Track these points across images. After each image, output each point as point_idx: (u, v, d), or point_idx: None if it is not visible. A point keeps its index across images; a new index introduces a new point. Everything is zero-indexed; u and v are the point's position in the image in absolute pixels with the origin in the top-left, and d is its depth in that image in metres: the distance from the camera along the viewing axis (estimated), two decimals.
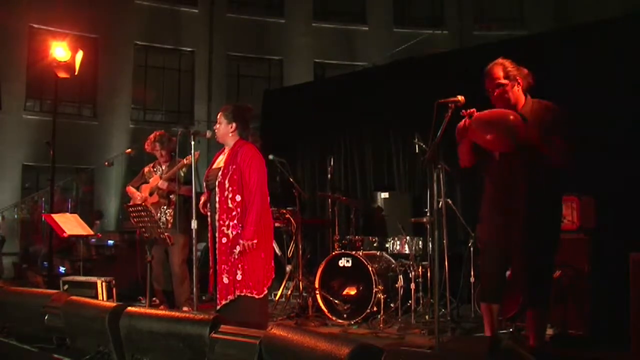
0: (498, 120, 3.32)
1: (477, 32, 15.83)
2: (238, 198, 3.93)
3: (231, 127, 4.09)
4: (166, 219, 5.60)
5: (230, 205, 3.93)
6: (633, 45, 5.20)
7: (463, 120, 3.44)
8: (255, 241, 3.85)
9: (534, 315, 3.58)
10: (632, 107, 5.07)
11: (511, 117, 3.27)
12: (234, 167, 3.97)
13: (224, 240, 3.93)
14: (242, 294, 3.86)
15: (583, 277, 4.35)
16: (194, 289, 4.38)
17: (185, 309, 5.25)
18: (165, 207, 5.63)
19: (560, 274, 4.41)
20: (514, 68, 3.53)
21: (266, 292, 3.97)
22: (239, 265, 3.87)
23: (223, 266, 3.91)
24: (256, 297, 3.88)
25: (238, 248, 3.86)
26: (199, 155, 4.38)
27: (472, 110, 3.46)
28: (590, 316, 4.30)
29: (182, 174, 5.56)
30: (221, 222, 3.94)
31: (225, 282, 3.90)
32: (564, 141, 3.34)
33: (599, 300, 4.32)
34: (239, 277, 3.86)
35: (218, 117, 4.18)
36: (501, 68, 3.51)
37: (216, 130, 4.18)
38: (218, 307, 3.93)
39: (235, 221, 3.90)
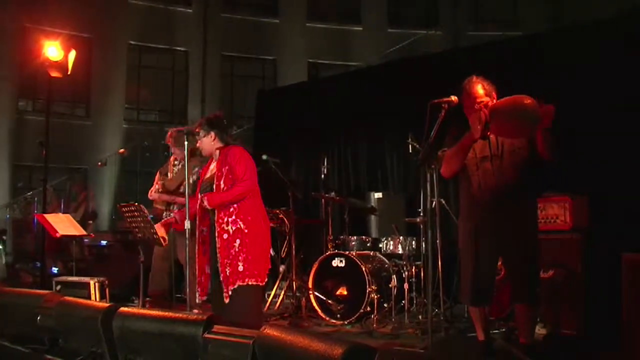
0: (517, 106, 3.32)
1: (472, 33, 15.84)
2: None
3: (211, 137, 4.19)
4: None
5: None
6: (626, 46, 5.22)
7: (480, 114, 3.42)
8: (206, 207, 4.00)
9: (526, 312, 3.62)
10: (626, 107, 5.09)
11: (527, 100, 3.28)
12: (227, 167, 4.07)
13: (225, 236, 4.00)
14: (245, 283, 3.93)
15: (576, 277, 4.37)
16: (188, 290, 4.38)
17: (195, 311, 5.20)
18: (169, 212, 5.58)
19: (553, 273, 4.43)
20: (489, 84, 3.63)
21: (266, 279, 4.09)
22: (240, 257, 3.95)
23: (225, 260, 3.99)
24: (260, 284, 4.01)
25: (238, 241, 3.95)
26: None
27: (485, 101, 3.51)
28: (583, 316, 4.32)
29: (192, 181, 5.48)
30: (220, 220, 4.03)
31: (227, 273, 3.97)
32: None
33: (592, 300, 4.34)
34: (240, 268, 3.94)
35: (197, 136, 4.25)
36: (480, 86, 3.60)
37: (200, 147, 4.27)
38: (226, 301, 3.98)
39: (233, 217, 3.99)
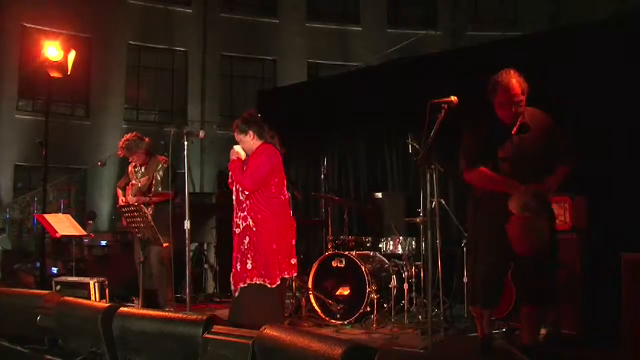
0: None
1: (471, 33, 15.85)
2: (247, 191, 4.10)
3: (250, 136, 4.17)
4: None
5: (241, 198, 4.11)
6: (626, 46, 5.22)
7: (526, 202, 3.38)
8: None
9: (535, 314, 3.59)
10: (625, 107, 5.09)
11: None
12: (247, 166, 4.15)
13: (237, 230, 4.11)
14: (253, 282, 3.98)
15: (576, 277, 4.37)
16: (187, 290, 4.38)
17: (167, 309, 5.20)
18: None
19: None
20: (523, 80, 3.49)
21: (279, 282, 4.00)
22: (249, 255, 4.01)
23: (237, 255, 4.09)
24: (268, 286, 3.96)
25: (247, 238, 4.01)
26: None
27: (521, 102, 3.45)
28: (583, 316, 4.32)
29: (159, 177, 5.56)
30: (235, 214, 4.15)
31: (237, 269, 4.07)
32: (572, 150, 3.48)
33: (592, 300, 4.34)
34: (249, 266, 4.00)
35: (235, 137, 4.22)
36: (518, 83, 3.45)
37: (243, 148, 4.21)
38: (235, 294, 4.11)
39: (245, 212, 4.06)
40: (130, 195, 5.62)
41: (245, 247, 4.02)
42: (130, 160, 5.77)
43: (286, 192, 4.21)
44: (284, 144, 4.27)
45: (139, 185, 5.63)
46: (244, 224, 4.05)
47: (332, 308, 5.34)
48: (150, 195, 5.54)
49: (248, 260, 4.00)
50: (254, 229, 4.01)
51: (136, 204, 5.25)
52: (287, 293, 5.94)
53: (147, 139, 5.77)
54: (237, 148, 4.22)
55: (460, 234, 5.52)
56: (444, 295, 5.16)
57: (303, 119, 8.16)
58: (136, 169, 5.78)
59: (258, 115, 4.30)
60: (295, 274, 4.18)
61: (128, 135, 5.77)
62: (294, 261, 4.12)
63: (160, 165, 5.61)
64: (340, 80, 8.68)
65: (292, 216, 4.23)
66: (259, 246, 3.98)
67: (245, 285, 4.00)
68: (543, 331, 4.35)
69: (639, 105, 4.98)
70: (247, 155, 4.19)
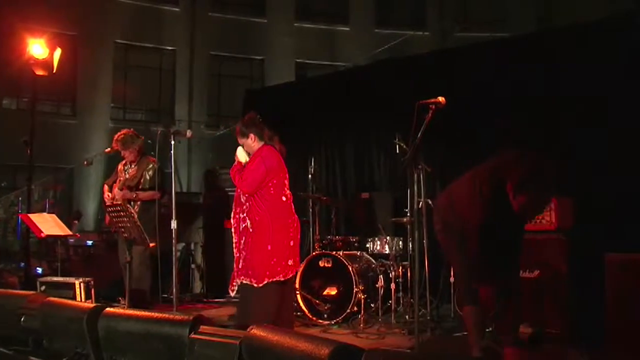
0: None
1: (459, 34, 15.91)
2: None
3: (252, 139, 4.17)
4: None
5: (242, 200, 4.11)
6: (615, 48, 5.26)
7: None
8: None
9: (509, 307, 3.61)
10: (611, 108, 5.13)
11: None
12: (245, 169, 4.16)
13: (239, 231, 4.12)
14: (241, 281, 4.00)
15: (560, 277, 4.40)
16: (174, 290, 4.36)
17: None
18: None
19: (538, 273, 4.46)
20: None
21: (266, 282, 3.91)
22: (243, 254, 4.04)
23: (236, 253, 4.12)
24: (255, 285, 3.93)
25: (244, 239, 4.03)
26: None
27: None
28: (568, 315, 4.35)
29: (149, 177, 5.55)
30: (236, 216, 4.15)
31: (238, 267, 4.09)
32: None
33: (576, 300, 4.38)
34: (240, 265, 4.02)
35: (239, 141, 4.22)
36: None
37: (246, 151, 4.22)
38: (232, 294, 4.17)
39: (244, 214, 4.06)
40: (116, 189, 5.58)
41: (242, 246, 4.05)
42: (122, 155, 5.73)
43: (287, 191, 4.21)
44: None
45: (127, 177, 5.61)
46: (243, 225, 4.06)
47: (320, 308, 5.34)
48: (136, 192, 5.52)
49: (241, 260, 4.03)
50: (251, 230, 4.01)
51: (122, 200, 5.22)
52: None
53: (141, 137, 5.75)
54: (238, 151, 4.24)
55: None
56: (431, 295, 5.18)
57: (291, 118, 8.14)
58: (126, 167, 5.75)
59: (258, 117, 4.26)
60: (291, 275, 4.12)
61: (125, 130, 5.76)
62: (291, 262, 4.05)
63: (151, 165, 5.60)
64: (329, 80, 8.68)
65: (293, 216, 4.18)
66: (253, 246, 3.98)
67: (239, 283, 4.03)
68: (528, 330, 4.38)
69: (626, 106, 5.02)
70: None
